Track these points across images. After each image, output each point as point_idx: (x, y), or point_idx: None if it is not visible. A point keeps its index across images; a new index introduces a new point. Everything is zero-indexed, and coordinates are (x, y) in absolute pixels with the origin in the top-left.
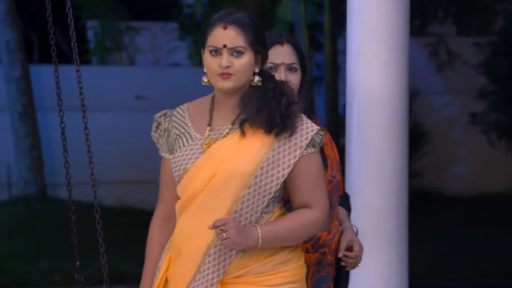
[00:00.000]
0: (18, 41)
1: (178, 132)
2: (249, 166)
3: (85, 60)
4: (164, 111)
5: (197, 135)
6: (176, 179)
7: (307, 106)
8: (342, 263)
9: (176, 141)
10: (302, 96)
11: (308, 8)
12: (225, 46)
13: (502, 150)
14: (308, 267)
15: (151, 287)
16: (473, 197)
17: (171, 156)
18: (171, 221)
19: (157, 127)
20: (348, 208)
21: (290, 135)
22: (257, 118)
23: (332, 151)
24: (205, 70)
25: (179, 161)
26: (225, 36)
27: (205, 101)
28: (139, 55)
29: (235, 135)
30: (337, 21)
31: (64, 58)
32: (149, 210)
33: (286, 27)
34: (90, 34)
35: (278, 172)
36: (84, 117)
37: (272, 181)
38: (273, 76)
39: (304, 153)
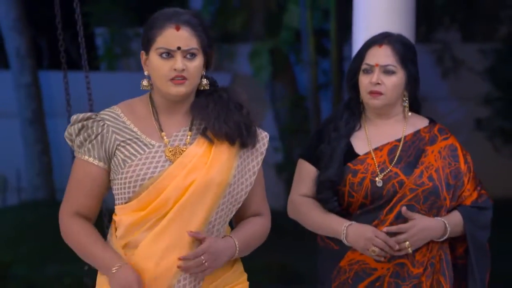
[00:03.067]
0: (27, 47)
1: (122, 139)
2: (224, 174)
3: (94, 66)
4: (88, 114)
5: (152, 141)
6: (134, 189)
7: (417, 103)
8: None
9: (121, 148)
10: (414, 96)
11: (314, 15)
12: (179, 48)
13: (507, 156)
14: (378, 277)
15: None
16: None
17: (102, 164)
18: (83, 218)
19: (80, 130)
20: (470, 217)
21: (253, 145)
22: (223, 129)
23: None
24: (146, 73)
25: (139, 170)
26: (178, 37)
27: (139, 104)
28: None
29: (202, 143)
30: (343, 28)
31: (73, 65)
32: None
33: (292, 33)
34: (99, 41)
35: (246, 180)
36: None
37: (242, 189)
38: (216, 81)
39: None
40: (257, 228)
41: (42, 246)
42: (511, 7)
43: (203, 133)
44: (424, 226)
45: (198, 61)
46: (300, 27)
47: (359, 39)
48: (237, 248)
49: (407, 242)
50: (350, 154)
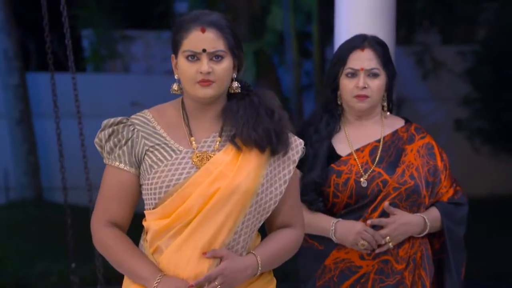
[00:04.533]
0: (15, 49)
1: (151, 144)
2: (251, 183)
3: (80, 68)
4: (118, 118)
5: (180, 147)
6: (159, 196)
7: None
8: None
9: (150, 153)
10: (391, 97)
11: (297, 18)
12: (204, 50)
13: (486, 156)
14: (363, 274)
15: (151, 266)
16: None
17: (133, 170)
18: (118, 227)
19: (110, 135)
20: (447, 213)
21: (285, 153)
22: (252, 136)
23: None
24: (176, 77)
25: (164, 176)
26: (203, 39)
27: (170, 109)
28: (133, 63)
29: (230, 150)
30: (326, 30)
31: (60, 66)
32: (143, 212)
33: (276, 35)
34: (85, 43)
35: (276, 189)
36: (80, 123)
37: (271, 198)
38: (250, 84)
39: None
40: (285, 241)
41: (29, 244)
42: (489, 10)
43: (232, 140)
44: (405, 221)
45: (226, 63)
46: (284, 29)
47: (341, 41)
48: (260, 266)
49: (388, 237)
50: (332, 156)
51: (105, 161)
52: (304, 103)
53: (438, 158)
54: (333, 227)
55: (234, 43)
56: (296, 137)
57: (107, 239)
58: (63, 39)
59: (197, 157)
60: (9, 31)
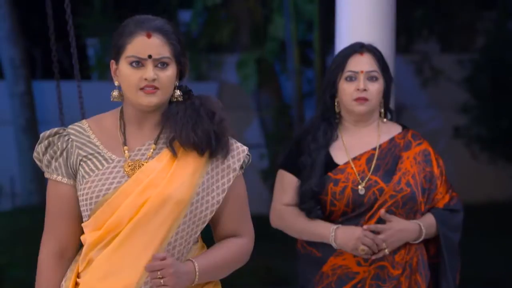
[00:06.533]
0: (21, 58)
1: (84, 154)
2: (185, 192)
3: (85, 76)
4: (55, 129)
5: (113, 156)
6: (90, 207)
7: None
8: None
9: (83, 163)
10: (388, 104)
11: (298, 27)
12: (150, 56)
13: (484, 162)
14: (360, 280)
15: None
16: None
17: (71, 181)
18: (65, 257)
19: (46, 148)
20: (443, 220)
21: (224, 157)
22: (191, 138)
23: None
24: (117, 83)
25: (94, 186)
26: (149, 45)
27: (108, 118)
28: None
29: (164, 156)
30: (327, 39)
31: (66, 74)
32: None
33: (277, 44)
34: (90, 51)
35: (213, 198)
36: None
37: (207, 208)
38: (191, 90)
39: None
40: (230, 250)
41: (36, 249)
42: (487, 19)
43: (170, 144)
44: (401, 228)
45: (171, 70)
46: (285, 38)
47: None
48: (197, 274)
49: (384, 243)
50: (330, 164)
51: (45, 175)
52: (305, 110)
53: (435, 164)
54: (333, 233)
55: (180, 50)
56: (239, 144)
57: (38, 276)
58: (68, 48)
59: (129, 166)
60: (15, 40)
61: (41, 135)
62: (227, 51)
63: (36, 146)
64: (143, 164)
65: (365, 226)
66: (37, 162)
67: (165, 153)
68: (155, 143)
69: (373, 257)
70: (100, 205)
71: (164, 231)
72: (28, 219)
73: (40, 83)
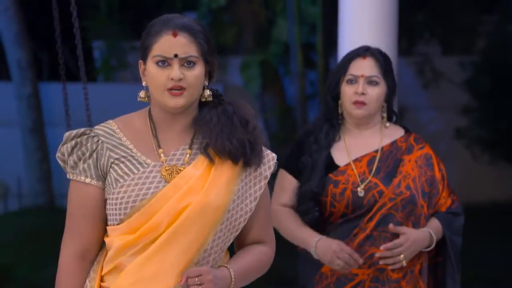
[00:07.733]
0: (28, 60)
1: (116, 156)
2: (223, 199)
3: (91, 78)
4: (81, 130)
5: (148, 160)
6: (125, 211)
7: None
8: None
9: (115, 166)
10: (391, 108)
11: (302, 29)
12: (176, 55)
13: (485, 164)
14: (359, 282)
15: None
16: None
17: (100, 184)
18: (87, 259)
19: (73, 148)
20: (447, 223)
21: (257, 165)
22: (226, 147)
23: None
24: (144, 84)
25: (131, 191)
26: (175, 44)
27: (136, 119)
28: None
29: (201, 163)
30: (330, 42)
31: (72, 76)
32: None
33: (281, 46)
34: (96, 54)
35: (246, 205)
36: None
37: (241, 215)
38: (221, 94)
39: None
40: (258, 257)
41: (42, 250)
42: (488, 22)
43: (205, 151)
44: (415, 238)
45: (198, 69)
46: (289, 40)
47: (344, 52)
48: (233, 280)
49: (402, 255)
50: (331, 166)
51: (69, 176)
52: (309, 112)
53: (436, 168)
54: (314, 245)
55: (207, 49)
56: (269, 151)
57: (60, 277)
58: (74, 50)
59: (166, 170)
60: (22, 42)
61: (65, 136)
62: (231, 54)
63: (60, 146)
64: (180, 169)
65: (381, 246)
66: (61, 163)
67: (202, 160)
68: (190, 148)
69: (391, 267)
70: (137, 210)
71: (202, 238)
72: (35, 220)
73: (46, 85)
